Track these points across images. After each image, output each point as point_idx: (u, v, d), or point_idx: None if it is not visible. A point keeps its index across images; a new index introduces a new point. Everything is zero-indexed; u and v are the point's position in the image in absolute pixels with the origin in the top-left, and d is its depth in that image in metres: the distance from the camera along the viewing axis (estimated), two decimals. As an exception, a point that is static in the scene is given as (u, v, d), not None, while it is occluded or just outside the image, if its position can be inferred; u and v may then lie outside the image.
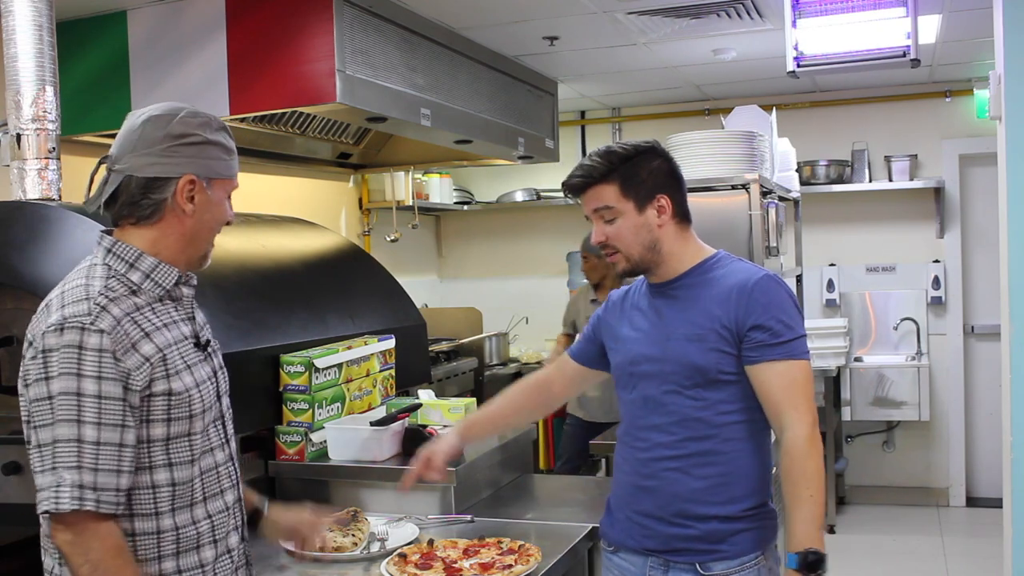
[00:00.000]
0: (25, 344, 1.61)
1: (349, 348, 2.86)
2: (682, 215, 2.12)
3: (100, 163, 1.72)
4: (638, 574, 2.11)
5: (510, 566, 2.11)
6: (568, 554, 2.26)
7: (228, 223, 1.81)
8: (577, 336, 4.01)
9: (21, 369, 1.60)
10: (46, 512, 1.52)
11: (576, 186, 2.11)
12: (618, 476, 2.18)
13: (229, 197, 1.80)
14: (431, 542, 2.25)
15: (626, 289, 2.27)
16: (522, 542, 2.24)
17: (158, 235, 1.71)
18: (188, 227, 1.72)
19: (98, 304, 1.60)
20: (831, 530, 5.73)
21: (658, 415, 2.07)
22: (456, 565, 2.13)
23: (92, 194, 1.73)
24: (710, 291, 2.05)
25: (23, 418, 1.62)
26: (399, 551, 2.21)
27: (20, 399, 1.61)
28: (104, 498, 1.53)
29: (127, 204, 1.69)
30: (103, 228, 1.76)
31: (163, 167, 1.67)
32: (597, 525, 2.37)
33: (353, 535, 2.28)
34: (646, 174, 2.08)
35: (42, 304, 1.65)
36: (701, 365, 2.02)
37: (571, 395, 2.50)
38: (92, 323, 1.56)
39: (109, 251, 1.69)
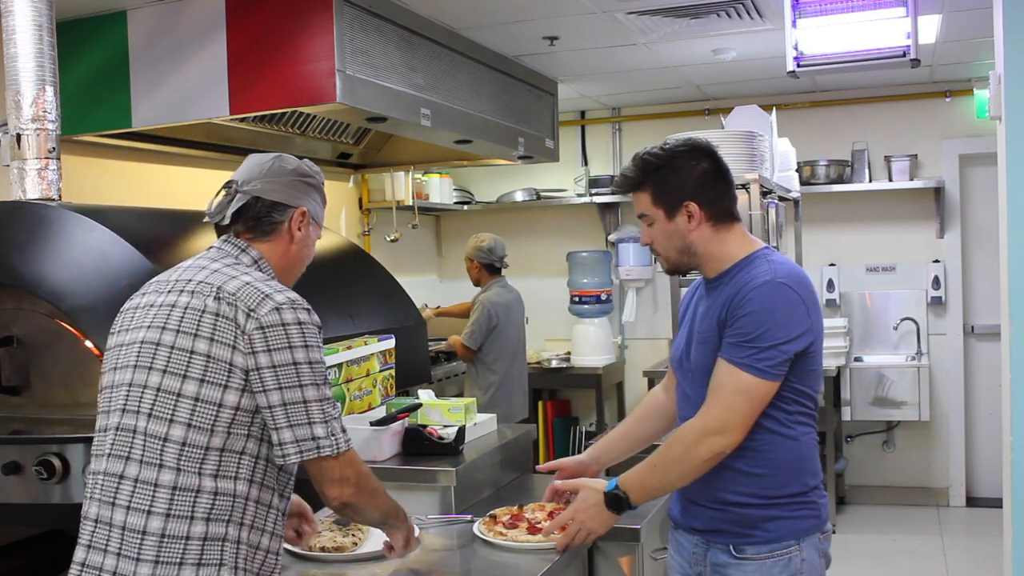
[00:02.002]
0: (239, 317, 1.79)
1: (349, 348, 2.86)
2: (719, 216, 2.15)
3: (224, 187, 1.99)
4: (688, 549, 2.22)
5: None
6: (568, 554, 2.26)
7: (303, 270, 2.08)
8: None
9: (239, 336, 1.78)
10: (326, 456, 1.80)
11: (618, 191, 2.27)
12: None
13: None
14: (521, 506, 2.47)
15: (693, 284, 2.34)
16: None
17: (268, 253, 1.97)
18: (291, 253, 2.00)
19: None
20: (831, 530, 5.72)
21: (691, 409, 2.14)
22: (539, 525, 2.31)
23: (215, 208, 1.98)
24: (727, 293, 2.09)
25: (257, 383, 1.78)
26: (489, 512, 2.42)
27: (230, 363, 1.78)
28: (349, 437, 1.87)
29: (251, 219, 1.96)
30: (227, 237, 1.97)
31: (286, 195, 1.98)
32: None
33: (353, 535, 2.28)
34: (675, 182, 2.12)
35: (232, 287, 1.82)
36: (709, 365, 2.09)
37: None
38: (309, 307, 1.85)
39: (255, 262, 1.95)
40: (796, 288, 2.05)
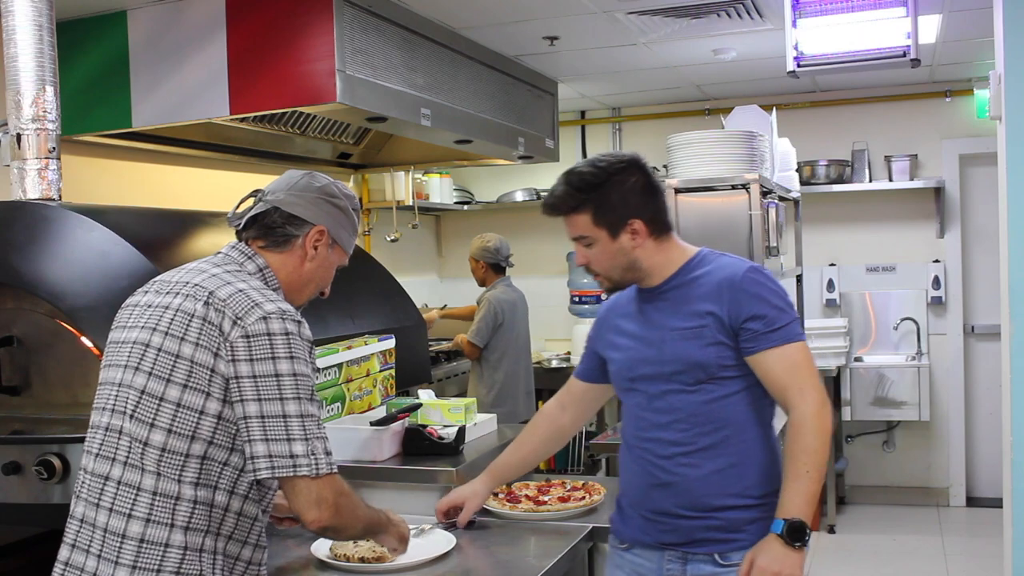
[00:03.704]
0: (225, 324, 1.75)
1: (349, 348, 2.86)
2: (659, 230, 2.14)
3: (251, 195, 1.98)
4: (655, 568, 2.13)
5: (583, 498, 2.55)
6: (568, 554, 2.26)
7: (323, 295, 2.06)
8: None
9: (223, 344, 1.74)
10: (303, 476, 1.72)
11: (550, 215, 2.15)
12: (628, 478, 2.20)
13: (336, 271, 2.04)
14: (509, 484, 2.65)
15: (614, 298, 2.31)
16: (585, 480, 2.74)
17: (277, 264, 1.94)
18: (305, 270, 1.97)
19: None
20: (831, 530, 5.73)
21: (665, 414, 2.10)
22: (541, 499, 2.56)
23: (235, 213, 1.98)
24: (698, 289, 2.09)
25: (236, 393, 1.73)
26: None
27: (212, 371, 1.75)
28: (333, 459, 1.78)
29: (265, 227, 1.94)
30: (235, 244, 1.96)
31: (306, 210, 1.95)
32: (597, 525, 2.40)
33: None
34: (617, 200, 2.08)
35: (223, 293, 1.79)
36: (701, 361, 2.05)
37: (586, 417, 2.51)
38: (301, 319, 1.81)
39: (260, 271, 1.92)
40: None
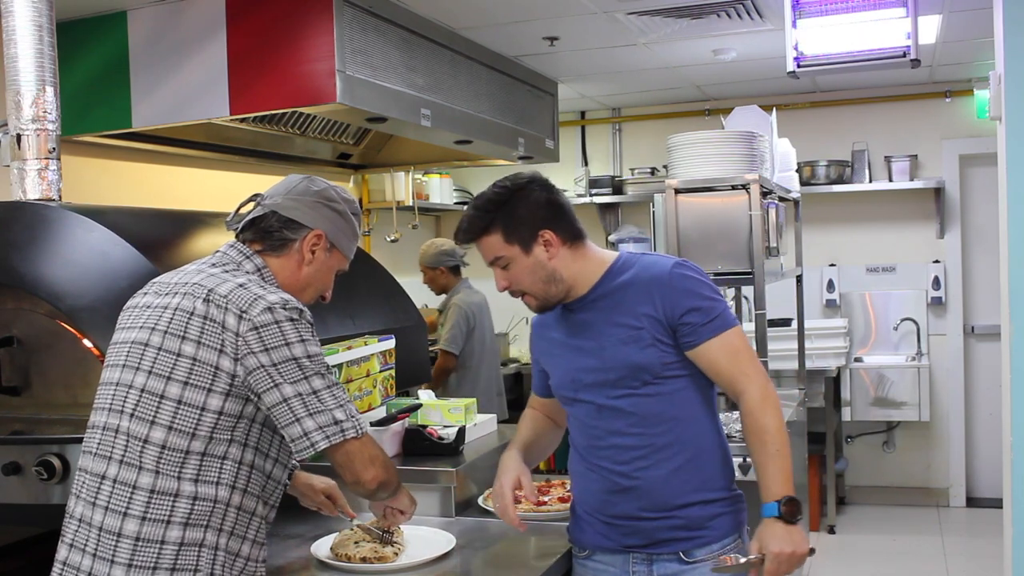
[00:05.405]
0: (228, 320, 1.77)
1: (349, 348, 2.86)
2: (572, 238, 2.15)
3: (250, 199, 2.00)
4: (620, 572, 2.14)
5: None
6: (568, 554, 2.26)
7: (324, 299, 2.07)
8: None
9: (229, 340, 1.77)
10: (351, 438, 1.79)
11: (463, 241, 2.18)
12: (585, 485, 2.18)
13: (336, 276, 2.06)
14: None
15: (540, 322, 2.30)
16: None
17: (276, 268, 1.96)
18: (303, 274, 1.98)
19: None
20: (831, 530, 5.73)
21: (617, 420, 2.10)
22: (541, 499, 2.52)
23: (234, 215, 2.00)
24: (628, 292, 2.09)
25: (259, 381, 1.77)
26: (488, 490, 2.55)
27: (225, 367, 1.78)
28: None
29: (262, 231, 1.96)
30: (233, 243, 1.98)
31: (304, 215, 1.97)
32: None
33: (392, 544, 2.25)
34: (524, 214, 2.10)
35: (224, 290, 1.81)
36: (643, 363, 2.06)
37: (564, 421, 2.40)
38: (303, 307, 1.84)
39: (258, 270, 1.93)
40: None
